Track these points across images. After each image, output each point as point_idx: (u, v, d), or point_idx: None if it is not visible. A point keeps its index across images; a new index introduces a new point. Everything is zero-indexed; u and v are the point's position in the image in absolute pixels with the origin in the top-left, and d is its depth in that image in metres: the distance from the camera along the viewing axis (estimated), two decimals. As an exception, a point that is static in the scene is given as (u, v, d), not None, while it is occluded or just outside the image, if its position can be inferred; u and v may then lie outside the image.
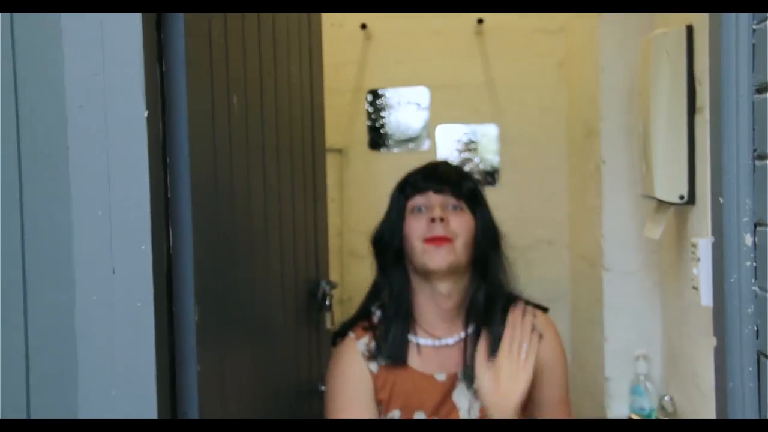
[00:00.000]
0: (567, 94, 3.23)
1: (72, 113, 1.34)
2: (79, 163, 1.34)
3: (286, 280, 1.99)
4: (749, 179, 1.32)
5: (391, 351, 1.75)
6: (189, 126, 1.43)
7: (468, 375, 1.74)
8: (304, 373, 2.11)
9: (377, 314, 1.82)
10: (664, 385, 2.24)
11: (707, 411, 1.83)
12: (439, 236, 1.70)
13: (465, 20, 3.31)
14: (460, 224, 1.73)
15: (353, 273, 3.10)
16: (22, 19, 1.35)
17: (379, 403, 1.75)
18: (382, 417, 1.75)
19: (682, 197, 1.92)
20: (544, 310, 1.86)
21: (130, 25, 1.33)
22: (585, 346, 2.71)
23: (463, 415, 1.73)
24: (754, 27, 1.31)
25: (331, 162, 3.52)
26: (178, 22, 1.42)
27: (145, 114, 1.33)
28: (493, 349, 1.69)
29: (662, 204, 2.02)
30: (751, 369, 1.32)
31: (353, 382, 1.76)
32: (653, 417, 2.19)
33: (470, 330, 1.77)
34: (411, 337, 1.78)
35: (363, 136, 3.52)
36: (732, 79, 1.33)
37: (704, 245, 1.64)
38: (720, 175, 1.35)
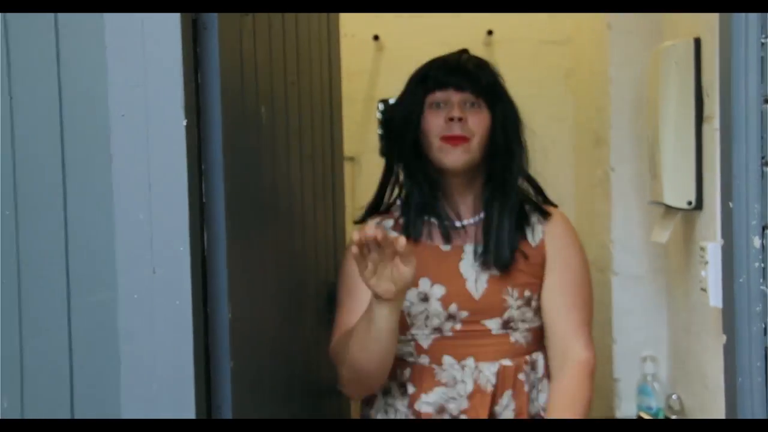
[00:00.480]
0: (574, 103, 3.30)
1: (115, 122, 1.42)
2: (122, 169, 1.42)
3: (308, 281, 2.07)
4: (758, 185, 1.40)
5: (414, 232, 1.84)
6: (222, 134, 1.51)
7: (476, 249, 1.81)
8: (324, 371, 2.19)
9: (398, 203, 1.92)
10: (671, 385, 2.32)
11: (714, 408, 1.90)
12: (456, 135, 1.75)
13: (474, 32, 3.38)
14: (478, 123, 1.78)
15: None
16: (67, 30, 1.43)
17: None
18: None
19: (690, 203, 2.00)
20: (554, 206, 1.95)
21: (169, 40, 1.41)
22: (595, 348, 2.78)
23: (470, 285, 1.80)
24: (763, 41, 1.39)
25: (344, 170, 3.60)
26: (213, 37, 1.50)
27: (184, 123, 1.41)
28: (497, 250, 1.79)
29: (670, 210, 2.10)
30: (759, 364, 1.40)
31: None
32: (661, 416, 2.26)
33: (480, 215, 1.85)
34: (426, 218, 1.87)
35: (374, 145, 3.58)
36: (741, 90, 1.41)
37: (713, 248, 1.71)
38: (730, 180, 1.43)
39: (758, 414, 1.40)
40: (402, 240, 1.57)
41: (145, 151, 1.42)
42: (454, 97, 1.78)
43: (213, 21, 1.49)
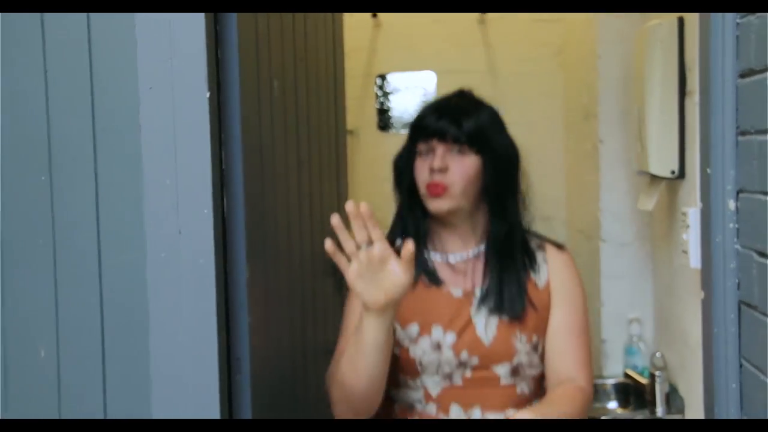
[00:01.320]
0: (564, 79, 3.43)
1: (144, 94, 1.54)
2: (150, 138, 1.54)
3: (315, 248, 2.19)
4: (733, 152, 1.53)
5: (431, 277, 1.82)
6: (240, 106, 1.63)
7: (483, 292, 1.81)
8: (330, 333, 2.32)
9: (398, 242, 1.85)
10: (656, 345, 2.45)
11: (694, 363, 2.03)
12: (437, 183, 1.77)
13: (469, 10, 3.51)
14: (461, 170, 1.78)
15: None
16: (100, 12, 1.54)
17: (396, 319, 1.75)
18: (402, 331, 1.80)
19: (673, 172, 2.13)
20: (559, 247, 1.91)
21: (193, 19, 1.52)
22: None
23: (479, 331, 1.79)
24: (738, 21, 1.51)
25: (342, 143, 3.73)
26: (232, 16, 1.61)
27: (207, 95, 1.53)
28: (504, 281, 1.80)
29: (655, 179, 2.23)
30: (732, 316, 1.53)
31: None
32: (646, 374, 2.40)
33: (483, 248, 1.84)
34: (428, 255, 1.86)
35: (372, 119, 3.72)
36: (719, 65, 1.54)
37: (693, 213, 1.85)
38: (708, 149, 1.56)
39: (731, 362, 1.54)
40: (410, 245, 1.56)
41: (171, 121, 1.54)
42: (438, 146, 1.79)
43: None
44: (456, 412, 1.80)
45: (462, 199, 1.79)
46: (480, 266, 1.84)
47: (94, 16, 1.55)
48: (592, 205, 2.78)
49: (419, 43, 3.64)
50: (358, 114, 3.68)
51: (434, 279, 1.84)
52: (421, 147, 1.82)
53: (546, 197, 3.48)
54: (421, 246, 1.83)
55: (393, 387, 1.82)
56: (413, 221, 1.85)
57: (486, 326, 1.79)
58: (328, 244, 1.59)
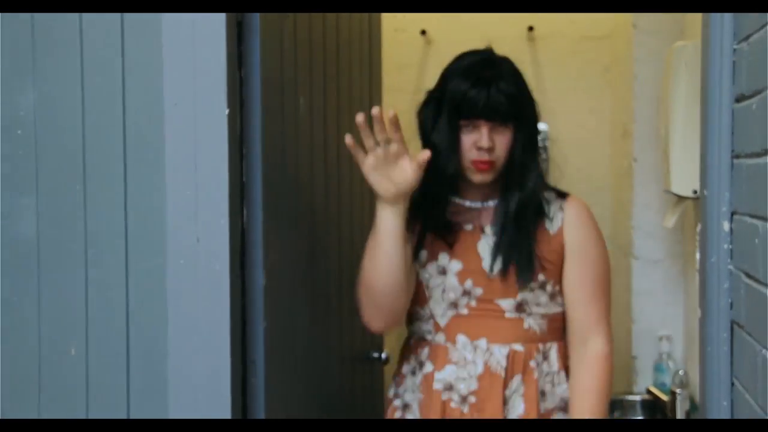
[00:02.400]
0: (611, 97, 3.46)
1: (168, 110, 1.65)
2: (173, 151, 1.65)
3: (342, 259, 2.28)
4: (728, 175, 1.56)
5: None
6: (262, 123, 1.73)
7: (494, 230, 1.92)
8: (358, 340, 2.41)
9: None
10: (684, 363, 2.47)
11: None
12: (484, 160, 1.86)
13: (517, 27, 3.57)
14: (503, 145, 1.87)
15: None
16: (132, 31, 1.67)
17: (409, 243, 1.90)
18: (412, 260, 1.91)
19: (695, 192, 2.15)
20: (576, 199, 1.99)
21: (215, 41, 1.63)
22: (614, 328, 2.95)
23: (485, 265, 1.90)
24: (735, 47, 1.55)
25: (393, 156, 3.82)
26: (255, 35, 1.72)
27: (226, 112, 1.63)
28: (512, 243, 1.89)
29: (681, 198, 2.26)
30: (725, 335, 1.56)
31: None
32: (667, 390, 2.43)
33: (500, 201, 1.94)
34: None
35: (421, 133, 3.80)
36: (716, 90, 1.58)
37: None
38: (705, 171, 1.60)
39: (724, 380, 1.57)
40: (426, 154, 1.77)
41: (193, 135, 1.65)
42: (484, 125, 1.86)
43: (255, 23, 1.71)
44: (462, 342, 1.91)
45: (501, 169, 1.90)
46: (492, 212, 1.94)
47: (127, 38, 1.67)
48: (626, 223, 2.81)
49: (469, 60, 3.71)
50: (408, 128, 3.75)
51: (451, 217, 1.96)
52: (463, 122, 1.89)
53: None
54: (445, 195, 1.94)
55: (408, 322, 1.99)
56: (446, 184, 1.92)
57: (492, 262, 1.90)
58: (348, 138, 1.78)
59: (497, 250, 1.91)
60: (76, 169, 1.70)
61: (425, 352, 1.97)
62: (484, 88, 1.88)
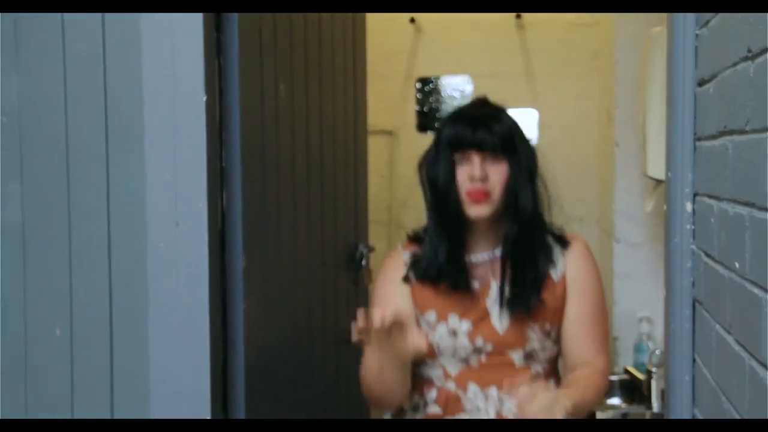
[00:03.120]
0: (599, 83, 3.49)
1: (148, 97, 1.70)
2: (152, 137, 1.70)
3: (326, 241, 2.33)
4: (691, 157, 1.60)
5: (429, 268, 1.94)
6: (241, 109, 1.78)
7: (501, 287, 1.92)
8: (342, 322, 2.45)
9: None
10: (663, 343, 2.51)
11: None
12: (479, 190, 1.87)
13: (505, 15, 3.61)
14: (498, 176, 1.89)
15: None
16: (111, 20, 1.71)
17: (415, 306, 1.94)
18: (421, 317, 1.93)
19: (670, 176, 2.19)
20: (576, 240, 2.00)
21: (193, 29, 1.68)
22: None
23: (494, 321, 1.92)
24: (697, 32, 1.59)
25: (383, 142, 3.87)
26: (234, 24, 1.76)
27: (204, 99, 1.68)
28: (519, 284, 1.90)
29: (658, 182, 2.30)
30: (687, 312, 1.60)
31: (394, 284, 1.95)
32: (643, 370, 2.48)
33: (503, 250, 1.94)
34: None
35: (412, 120, 3.85)
36: (680, 74, 1.62)
37: (673, 215, 1.92)
38: (669, 154, 1.64)
39: (686, 356, 1.61)
40: (422, 343, 1.79)
41: (171, 122, 1.70)
42: (476, 156, 1.88)
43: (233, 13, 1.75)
44: (473, 391, 1.93)
45: (499, 203, 1.90)
46: (498, 264, 1.94)
47: (107, 28, 1.72)
48: (610, 207, 2.85)
49: (457, 48, 3.75)
50: (399, 115, 3.82)
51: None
52: (457, 156, 1.90)
53: (579, 198, 3.57)
54: (457, 248, 1.93)
55: (414, 365, 1.93)
56: (450, 227, 1.92)
57: (500, 317, 1.91)
58: (354, 334, 1.74)
59: (501, 298, 1.93)
60: (60, 155, 1.75)
61: (432, 394, 1.97)
62: (476, 123, 1.92)
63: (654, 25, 2.54)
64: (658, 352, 2.38)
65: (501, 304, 1.91)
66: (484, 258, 1.96)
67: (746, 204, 1.24)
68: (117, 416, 1.74)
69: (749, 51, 1.22)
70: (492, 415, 1.93)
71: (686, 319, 1.62)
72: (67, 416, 1.75)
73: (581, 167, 3.57)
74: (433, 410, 1.96)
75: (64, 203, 1.76)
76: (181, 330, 1.71)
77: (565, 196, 3.22)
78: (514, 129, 1.95)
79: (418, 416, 1.98)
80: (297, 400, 2.12)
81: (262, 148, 1.92)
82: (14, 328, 1.76)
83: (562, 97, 3.64)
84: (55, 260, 1.76)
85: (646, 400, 2.42)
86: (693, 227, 1.61)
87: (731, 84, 1.33)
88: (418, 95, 3.84)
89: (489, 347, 1.92)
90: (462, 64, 3.76)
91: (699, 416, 1.56)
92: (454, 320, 1.93)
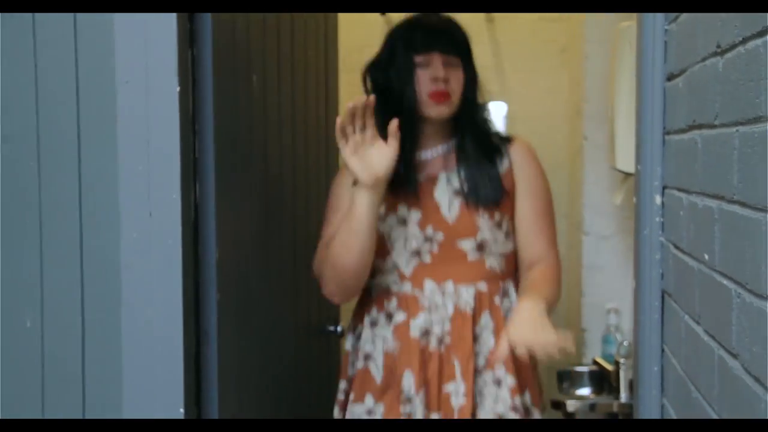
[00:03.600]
0: (568, 77, 3.52)
1: (120, 88, 1.69)
2: (125, 127, 1.70)
3: (298, 232, 2.34)
4: (660, 151, 1.63)
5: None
6: (214, 99, 1.78)
7: (450, 178, 2.03)
8: (316, 314, 2.47)
9: None
10: (631, 334, 2.55)
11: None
12: (442, 91, 1.97)
13: (476, 8, 3.63)
14: (457, 81, 2.00)
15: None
16: (83, 14, 1.70)
17: None
18: None
19: (638, 169, 2.22)
20: (522, 142, 2.12)
21: (166, 20, 1.67)
22: (565, 301, 3.03)
23: (444, 210, 2.01)
24: (666, 27, 1.62)
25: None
26: (206, 15, 1.76)
27: (177, 89, 1.68)
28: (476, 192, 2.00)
29: (626, 175, 2.33)
30: (656, 304, 1.64)
31: (346, 187, 1.99)
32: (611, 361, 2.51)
33: (452, 144, 2.06)
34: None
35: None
36: (649, 69, 1.64)
37: (642, 208, 1.94)
38: (639, 147, 1.67)
39: (654, 347, 1.64)
40: (394, 123, 1.84)
41: (144, 112, 1.69)
42: (438, 59, 1.98)
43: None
44: (430, 288, 2.00)
45: (456, 107, 2.01)
46: (447, 158, 2.06)
47: (79, 18, 1.71)
48: (579, 200, 2.88)
49: (429, 40, 3.76)
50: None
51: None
52: (419, 59, 2.00)
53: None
54: (408, 147, 1.99)
55: (369, 277, 2.01)
56: (404, 128, 1.93)
57: (449, 206, 2.01)
58: (339, 121, 1.86)
59: (461, 187, 2.01)
60: (30, 145, 1.73)
61: (393, 303, 2.03)
62: (437, 28, 2.04)
63: (623, 19, 2.57)
64: (626, 343, 2.41)
65: (450, 191, 2.01)
66: (435, 153, 2.06)
67: (715, 197, 1.27)
68: (88, 407, 1.73)
69: (718, 46, 1.24)
70: (450, 310, 2.00)
71: (655, 310, 1.65)
72: (38, 407, 1.74)
73: (550, 161, 3.56)
74: (400, 318, 2.01)
75: (35, 193, 1.74)
76: (154, 321, 1.70)
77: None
78: (468, 38, 2.08)
79: (383, 331, 2.02)
80: (269, 391, 2.12)
81: (236, 139, 1.92)
82: (-17, 319, 1.75)
83: (532, 91, 3.67)
84: (26, 251, 1.74)
85: (614, 391, 2.45)
86: (662, 220, 1.64)
87: (700, 79, 1.36)
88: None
89: (440, 236, 2.00)
90: (432, 57, 3.77)
91: (668, 406, 1.59)
92: (403, 210, 2.01)
